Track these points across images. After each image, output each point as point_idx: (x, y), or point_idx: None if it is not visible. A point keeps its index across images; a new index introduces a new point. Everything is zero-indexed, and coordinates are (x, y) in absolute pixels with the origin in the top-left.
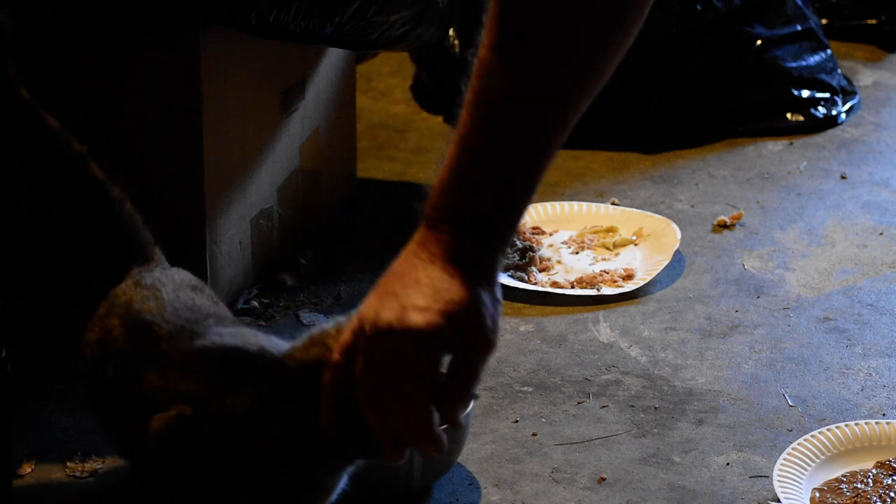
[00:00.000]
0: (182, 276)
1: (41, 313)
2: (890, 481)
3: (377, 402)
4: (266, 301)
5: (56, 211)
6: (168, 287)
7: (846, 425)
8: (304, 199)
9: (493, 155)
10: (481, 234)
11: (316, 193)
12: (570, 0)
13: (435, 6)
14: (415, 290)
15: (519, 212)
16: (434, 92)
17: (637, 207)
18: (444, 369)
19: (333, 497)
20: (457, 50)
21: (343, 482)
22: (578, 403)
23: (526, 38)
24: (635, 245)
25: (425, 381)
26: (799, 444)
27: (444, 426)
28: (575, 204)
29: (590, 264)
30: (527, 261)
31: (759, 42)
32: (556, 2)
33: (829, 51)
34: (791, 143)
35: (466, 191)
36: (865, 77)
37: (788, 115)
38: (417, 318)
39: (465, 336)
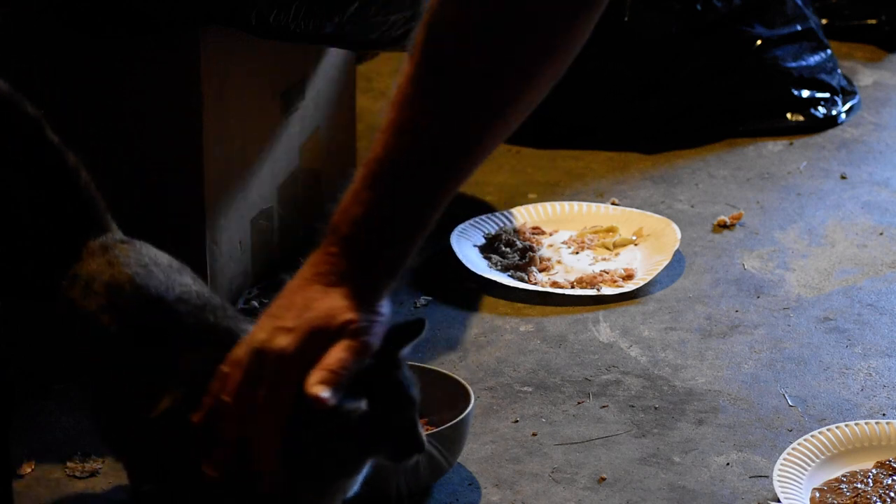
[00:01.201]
0: (154, 253)
1: (41, 313)
2: (890, 481)
3: (234, 413)
4: (266, 301)
5: (10, 181)
6: (156, 272)
7: (846, 425)
8: (304, 199)
9: (399, 186)
10: (368, 260)
11: (316, 193)
12: (497, 42)
13: None
14: (288, 310)
15: (409, 246)
16: None
17: (637, 207)
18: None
19: (348, 494)
20: None
21: (357, 483)
22: (578, 403)
23: (445, 74)
24: (635, 245)
25: (280, 399)
26: (799, 444)
27: (443, 428)
28: (575, 204)
29: (590, 264)
30: (527, 261)
31: (759, 42)
32: (482, 42)
33: (829, 51)
34: (791, 143)
35: (364, 216)
36: (865, 77)
37: (788, 115)
38: (281, 340)
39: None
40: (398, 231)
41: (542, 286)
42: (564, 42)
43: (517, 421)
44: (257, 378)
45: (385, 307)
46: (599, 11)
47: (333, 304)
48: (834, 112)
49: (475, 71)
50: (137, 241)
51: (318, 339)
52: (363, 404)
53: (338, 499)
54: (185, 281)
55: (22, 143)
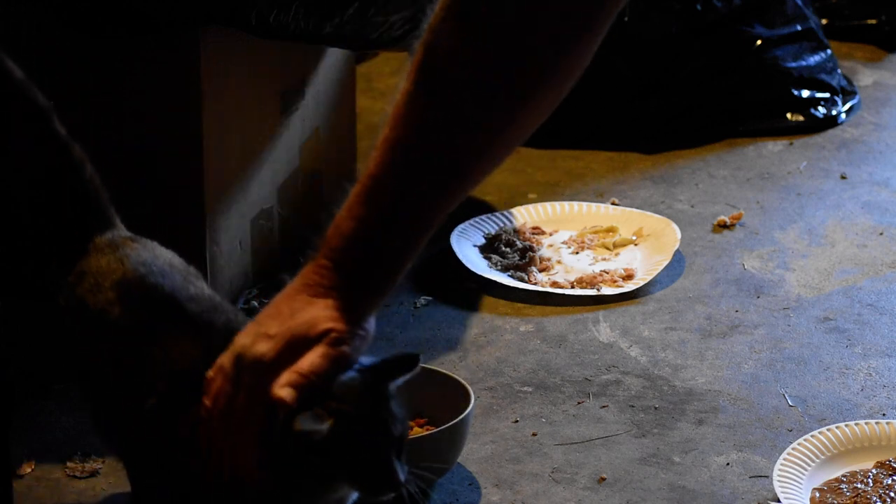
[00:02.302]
0: (167, 256)
1: (41, 313)
2: (890, 481)
3: (214, 419)
4: (266, 301)
5: (14, 171)
6: (173, 276)
7: (846, 425)
8: (304, 199)
9: (389, 205)
10: (357, 275)
11: (316, 193)
12: (492, 69)
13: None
14: (273, 319)
15: (399, 265)
16: None
17: (637, 207)
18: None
19: None
20: None
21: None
22: (578, 403)
23: (438, 96)
24: (635, 245)
25: (256, 405)
26: (799, 444)
27: (444, 427)
28: (575, 204)
29: (590, 264)
30: (527, 261)
31: (759, 42)
32: (475, 67)
33: (829, 51)
34: (791, 143)
35: (356, 231)
36: (865, 77)
37: (788, 115)
38: (261, 346)
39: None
40: (388, 249)
41: (542, 286)
42: (561, 71)
43: (517, 421)
44: (236, 384)
45: (370, 324)
46: (597, 40)
47: (317, 313)
48: (834, 112)
49: (469, 96)
50: (146, 240)
51: (297, 346)
52: (325, 426)
53: None
54: (199, 284)
55: (29, 132)
